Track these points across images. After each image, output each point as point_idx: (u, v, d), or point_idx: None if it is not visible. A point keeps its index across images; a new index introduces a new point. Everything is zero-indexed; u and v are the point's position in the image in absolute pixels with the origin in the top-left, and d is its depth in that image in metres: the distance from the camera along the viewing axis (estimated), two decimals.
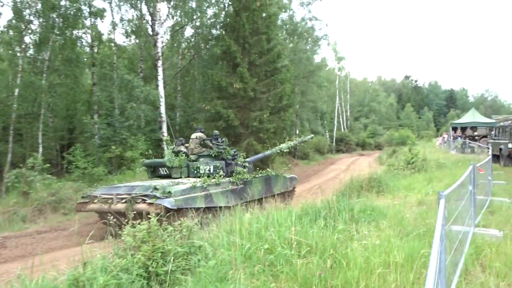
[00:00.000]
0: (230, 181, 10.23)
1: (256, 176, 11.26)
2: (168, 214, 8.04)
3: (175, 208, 8.31)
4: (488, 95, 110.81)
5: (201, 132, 11.70)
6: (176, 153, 10.70)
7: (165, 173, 10.62)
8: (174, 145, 11.38)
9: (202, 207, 8.75)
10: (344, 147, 49.28)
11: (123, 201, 8.74)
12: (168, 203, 8.28)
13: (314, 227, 5.85)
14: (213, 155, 10.96)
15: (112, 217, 6.37)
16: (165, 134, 19.45)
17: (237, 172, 10.93)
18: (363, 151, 51.13)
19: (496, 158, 18.59)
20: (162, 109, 19.48)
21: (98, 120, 19.05)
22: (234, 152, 11.59)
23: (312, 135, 17.52)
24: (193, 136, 11.47)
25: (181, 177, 10.44)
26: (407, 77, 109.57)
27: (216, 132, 11.90)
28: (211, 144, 11.28)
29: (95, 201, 9.19)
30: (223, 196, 9.69)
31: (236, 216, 6.32)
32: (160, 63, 19.81)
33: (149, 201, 8.43)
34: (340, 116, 57.60)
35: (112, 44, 23.59)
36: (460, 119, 34.67)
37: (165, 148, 11.65)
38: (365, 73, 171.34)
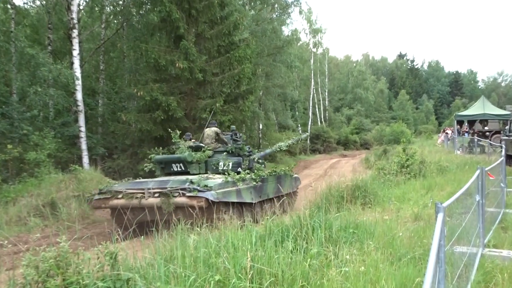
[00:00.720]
0: (252, 177, 12.74)
1: (271, 174, 13.99)
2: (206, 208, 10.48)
3: (217, 201, 10.62)
4: (501, 79, 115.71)
5: (215, 126, 14.49)
6: (196, 148, 13.47)
7: (180, 169, 13.19)
8: (181, 140, 13.92)
9: (235, 202, 11.37)
10: (321, 146, 50.14)
11: (157, 195, 10.80)
12: (210, 195, 10.52)
13: (281, 251, 5.90)
14: (230, 151, 13.62)
15: (142, 213, 8.44)
16: (83, 128, 19.11)
17: (256, 168, 13.94)
18: (346, 151, 52.20)
19: (511, 159, 19.30)
20: (79, 95, 19.16)
21: None
22: (249, 148, 14.43)
23: (307, 133, 20.98)
24: (208, 131, 14.23)
25: (199, 173, 12.90)
26: (401, 56, 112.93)
27: (233, 127, 15.07)
28: (226, 140, 14.10)
29: (119, 196, 11.19)
30: (248, 192, 12.26)
31: (178, 238, 6.28)
32: (75, 33, 19.35)
33: (189, 194, 10.57)
34: (317, 106, 58.72)
35: (9, 6, 22.79)
36: (467, 111, 35.30)
37: (176, 143, 13.98)
38: (349, 50, 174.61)
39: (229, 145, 13.99)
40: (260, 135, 35.43)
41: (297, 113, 55.38)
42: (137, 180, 12.90)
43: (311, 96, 55.71)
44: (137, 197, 10.98)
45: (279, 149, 17.64)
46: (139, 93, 19.15)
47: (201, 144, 13.82)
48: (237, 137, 14.19)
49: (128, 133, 20.55)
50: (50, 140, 17.49)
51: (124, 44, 25.09)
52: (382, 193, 12.50)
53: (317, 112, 58.80)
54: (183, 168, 13.15)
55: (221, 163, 13.17)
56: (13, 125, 17.47)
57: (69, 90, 19.77)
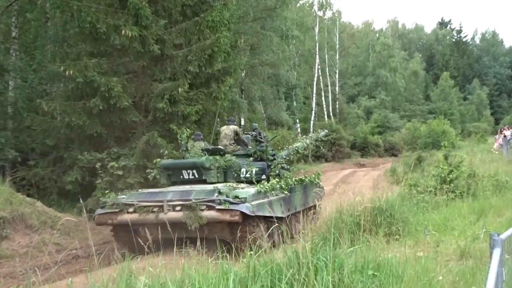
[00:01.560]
0: (282, 186, 14.50)
1: (298, 182, 15.91)
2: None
3: (253, 214, 12.18)
4: None
5: (234, 124, 16.43)
6: (213, 151, 15.12)
7: (192, 177, 14.88)
8: (187, 141, 15.48)
9: (267, 216, 12.68)
10: (329, 151, 50.39)
11: (179, 208, 12.41)
12: (246, 208, 12.08)
13: None
14: (252, 155, 15.70)
15: (160, 229, 9.62)
16: None
17: (283, 176, 15.70)
18: (364, 158, 52.59)
19: None
20: None
21: None
22: (272, 150, 16.31)
23: (326, 130, 22.91)
24: (226, 130, 16.23)
25: (217, 182, 14.70)
26: (443, 25, 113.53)
27: (255, 125, 17.22)
28: (246, 141, 16.24)
29: (130, 210, 12.81)
30: (279, 205, 13.99)
31: (122, 279, 6.30)
32: None
33: (219, 207, 12.16)
34: (323, 94, 59.03)
35: None
36: None
37: (183, 144, 15.44)
38: (369, 14, 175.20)
39: (250, 147, 16.33)
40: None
41: (294, 103, 55.58)
42: (149, 190, 14.41)
43: (315, 79, 56.03)
44: (153, 211, 12.58)
45: (296, 152, 19.68)
46: (67, 72, 18.92)
47: (220, 147, 15.62)
48: (261, 138, 16.35)
49: (50, 129, 20.35)
50: None
51: (47, 1, 24.89)
52: (414, 220, 12.55)
53: (323, 103, 59.12)
54: (196, 176, 14.81)
55: (243, 170, 15.05)
56: None
57: None
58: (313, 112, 54.41)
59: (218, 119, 25.02)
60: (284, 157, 18.18)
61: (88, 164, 18.87)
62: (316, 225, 11.94)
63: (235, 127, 16.43)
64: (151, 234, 9.26)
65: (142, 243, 8.76)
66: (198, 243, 8.72)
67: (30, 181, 20.52)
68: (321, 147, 49.51)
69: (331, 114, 60.47)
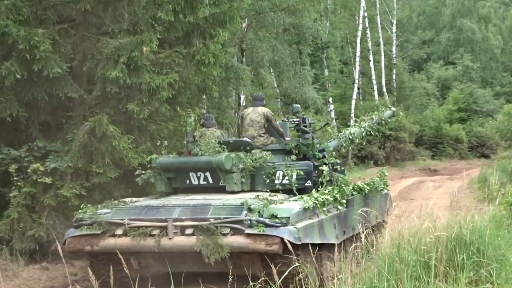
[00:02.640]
0: (336, 198, 15.06)
1: (357, 191, 16.78)
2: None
3: (299, 243, 12.37)
4: None
5: (263, 105, 17.19)
6: (235, 146, 15.60)
7: (205, 182, 15.30)
8: (194, 129, 16.42)
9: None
10: (380, 149, 50.25)
11: (190, 231, 12.75)
12: (289, 234, 12.28)
13: None
14: (292, 151, 16.34)
15: (162, 261, 11.01)
16: None
17: (336, 182, 16.44)
18: (437, 160, 52.43)
19: None
20: None
21: None
22: (320, 144, 17.11)
23: (393, 108, 23.96)
24: (252, 114, 16.88)
25: (241, 191, 15.16)
26: None
27: (298, 107, 17.69)
28: (282, 130, 16.85)
29: (118, 232, 13.20)
30: (332, 226, 14.59)
31: None
32: None
33: (250, 231, 12.45)
34: (372, 58, 58.69)
35: None
36: None
37: (188, 132, 15.96)
38: None
39: (287, 138, 16.94)
40: (241, 120, 35.04)
41: (326, 72, 55.42)
42: (145, 202, 14.90)
43: (359, 34, 55.88)
44: (152, 234, 12.85)
45: (350, 142, 20.52)
46: None
47: (246, 139, 16.16)
48: (305, 126, 16.89)
49: None
50: None
51: None
52: None
53: (372, 72, 58.93)
54: (211, 181, 15.27)
55: (279, 173, 15.36)
56: None
57: None
58: (356, 86, 54.39)
59: (205, 97, 25.03)
60: (332, 150, 18.46)
61: None
62: (361, 264, 11.98)
63: (266, 109, 16.89)
64: (148, 267, 9.66)
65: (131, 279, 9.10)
66: None
67: None
68: (370, 144, 49.72)
69: (384, 89, 60.30)
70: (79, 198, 17.77)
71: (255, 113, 16.47)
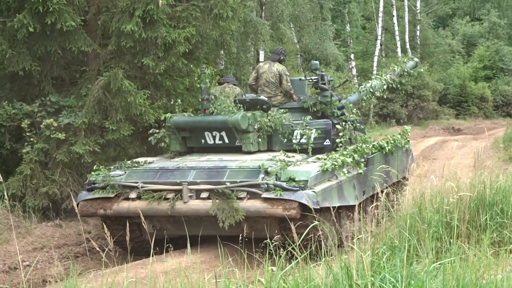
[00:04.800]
0: (355, 158, 15.14)
1: (377, 148, 16.87)
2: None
3: (317, 207, 12.55)
4: None
5: (281, 60, 17.23)
6: (252, 104, 15.83)
7: (220, 142, 15.55)
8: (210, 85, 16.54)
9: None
10: (402, 107, 50.16)
11: (205, 195, 13.12)
12: (306, 198, 12.18)
13: None
14: (310, 109, 16.43)
15: (176, 225, 12.05)
16: None
17: (356, 141, 16.54)
18: (461, 119, 52.28)
19: None
20: None
21: None
22: (339, 101, 17.22)
23: (417, 59, 23.64)
24: (267, 72, 16.91)
25: (258, 151, 15.43)
26: None
27: (316, 63, 17.59)
28: (291, 90, 16.91)
29: (132, 195, 13.52)
30: (351, 187, 14.84)
31: None
32: None
33: (267, 195, 12.78)
34: (395, 13, 58.50)
35: None
36: None
37: (203, 89, 16.16)
38: None
39: (303, 97, 16.96)
40: (253, 73, 34.89)
41: (348, 28, 55.28)
42: (159, 164, 15.24)
43: None
44: (167, 198, 13.22)
45: (371, 95, 20.26)
46: None
47: (263, 98, 16.33)
48: (324, 83, 16.85)
49: None
50: None
51: None
52: None
53: (396, 27, 58.68)
54: (226, 141, 15.55)
55: (296, 133, 15.51)
56: None
57: None
58: (378, 42, 54.22)
59: (223, 53, 24.98)
60: (352, 105, 18.20)
61: (9, 121, 18.80)
62: (382, 225, 11.93)
63: (281, 67, 16.84)
64: (163, 230, 9.87)
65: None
66: None
67: None
68: (393, 102, 49.58)
69: (407, 46, 60.02)
70: (93, 154, 17.94)
71: (271, 73, 16.48)
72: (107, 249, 8.26)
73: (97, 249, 8.41)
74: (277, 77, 16.48)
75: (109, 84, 18.43)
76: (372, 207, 12.01)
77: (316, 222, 9.76)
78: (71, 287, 6.95)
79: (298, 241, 7.91)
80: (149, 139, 16.40)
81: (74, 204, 11.17)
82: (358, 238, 8.91)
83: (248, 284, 8.27)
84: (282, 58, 17.07)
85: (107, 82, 18.52)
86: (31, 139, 17.79)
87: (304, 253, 8.02)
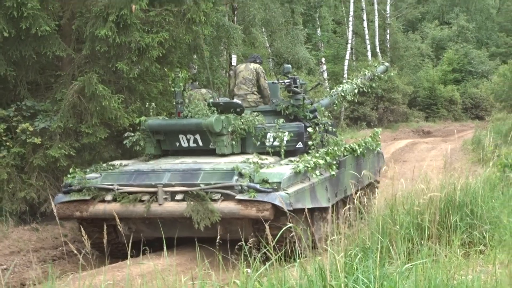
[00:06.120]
0: (327, 161, 15.40)
1: (349, 151, 17.12)
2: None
3: (290, 208, 12.47)
4: None
5: (258, 62, 17.68)
6: (225, 108, 16.01)
7: (194, 145, 15.76)
8: (184, 88, 16.20)
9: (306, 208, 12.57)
10: (373, 110, 50.42)
11: (180, 197, 13.37)
12: (280, 200, 12.37)
13: None
14: (282, 112, 16.65)
15: (152, 227, 12.36)
16: None
17: (328, 143, 16.89)
18: (430, 122, 52.54)
19: None
20: None
21: None
22: (311, 104, 17.46)
23: (387, 64, 24.05)
24: (244, 71, 17.39)
25: (232, 153, 15.60)
26: None
27: (289, 67, 17.77)
28: (267, 90, 17.38)
29: (108, 198, 13.75)
30: (323, 189, 15.04)
31: None
32: None
33: (241, 197, 13.02)
34: (365, 17, 58.66)
35: None
36: None
37: (177, 93, 16.07)
38: None
39: (275, 100, 17.27)
40: (232, 78, 34.92)
41: (319, 32, 55.36)
42: (134, 166, 15.45)
43: None
44: (142, 200, 13.42)
45: (342, 99, 20.79)
46: None
47: (237, 101, 16.64)
48: (296, 87, 17.09)
49: None
50: None
51: None
52: (510, 222, 12.60)
53: (366, 31, 58.86)
54: (200, 144, 15.73)
55: (269, 135, 15.75)
56: None
57: None
58: (349, 46, 54.32)
59: (196, 57, 25.05)
60: (324, 109, 18.77)
61: None
62: (354, 226, 12.06)
63: (257, 66, 17.44)
64: (139, 232, 10.13)
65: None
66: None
67: None
68: (363, 105, 49.69)
69: (377, 50, 60.19)
70: (69, 158, 17.97)
71: (247, 71, 16.93)
72: (84, 252, 8.33)
73: (75, 251, 8.46)
74: (254, 74, 16.91)
75: (84, 89, 18.41)
76: (345, 209, 12.05)
77: (290, 224, 9.86)
78: None
79: (272, 242, 7.99)
80: (124, 142, 16.61)
81: (53, 206, 11.27)
82: (331, 240, 9.02)
83: (224, 286, 8.38)
84: (258, 61, 17.53)
85: (81, 86, 18.52)
86: (7, 143, 17.85)
87: (278, 254, 8.12)
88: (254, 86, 17.04)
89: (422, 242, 10.62)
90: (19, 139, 18.01)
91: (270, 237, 8.23)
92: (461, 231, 11.77)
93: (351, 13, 54.94)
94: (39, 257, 14.66)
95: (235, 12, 35.56)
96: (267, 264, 7.81)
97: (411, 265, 8.08)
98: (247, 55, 35.80)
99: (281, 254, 8.32)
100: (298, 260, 8.21)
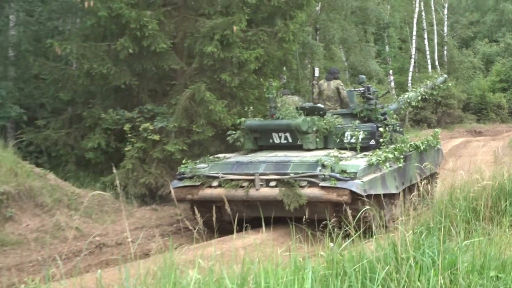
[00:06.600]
0: (396, 155, 15.53)
1: (414, 148, 17.15)
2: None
3: (364, 194, 12.73)
4: None
5: (337, 78, 17.78)
6: (310, 111, 16.11)
7: (285, 141, 15.94)
8: (276, 95, 16.56)
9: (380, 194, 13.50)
10: (432, 113, 50.12)
11: (273, 184, 13.69)
12: (356, 187, 13.09)
13: None
14: (358, 115, 16.68)
15: (250, 208, 13.06)
16: None
17: (396, 141, 16.88)
18: (481, 123, 51.89)
19: None
20: None
21: None
22: (382, 107, 17.58)
23: (445, 75, 24.48)
24: (327, 90, 17.37)
25: (316, 148, 15.79)
26: None
27: (363, 77, 18.24)
28: (347, 98, 17.37)
29: (214, 184, 14.19)
30: (392, 178, 15.14)
31: (165, 273, 6.51)
32: None
33: (323, 184, 13.26)
34: (426, 36, 58.11)
35: None
36: None
37: (271, 99, 16.40)
38: None
39: (352, 105, 17.31)
40: (316, 89, 35.02)
41: (387, 48, 55.02)
42: (236, 158, 15.61)
43: (416, 15, 55.26)
44: (242, 186, 13.88)
45: (407, 105, 20.78)
46: (86, 4, 19.17)
47: (320, 105, 16.75)
48: (370, 94, 17.10)
49: (65, 79, 20.55)
50: None
51: None
52: None
53: (427, 48, 58.22)
54: (290, 140, 15.90)
55: (347, 134, 15.84)
56: None
57: None
58: (412, 60, 53.82)
59: (285, 69, 25.06)
60: (392, 112, 18.93)
61: (114, 125, 19.09)
62: (418, 209, 11.97)
63: (338, 82, 17.61)
64: (239, 213, 11.79)
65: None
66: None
67: (39, 147, 20.43)
68: (424, 109, 49.29)
69: (436, 63, 59.40)
70: (182, 152, 18.20)
71: (330, 90, 17.20)
72: (197, 228, 8.33)
73: (190, 227, 8.57)
74: (335, 92, 17.13)
75: (194, 95, 18.62)
76: (412, 195, 12.07)
77: (367, 207, 9.94)
78: (170, 258, 6.99)
79: (353, 222, 7.98)
80: (227, 139, 17.00)
81: (172, 190, 11.50)
82: (400, 220, 8.93)
83: (312, 257, 8.32)
84: (337, 76, 17.73)
85: (192, 93, 18.68)
86: (132, 139, 18.25)
87: (358, 232, 8.04)
88: (336, 102, 17.22)
89: (477, 223, 10.47)
90: (141, 136, 18.36)
91: (350, 218, 8.23)
92: (510, 214, 11.58)
93: (414, 32, 54.39)
94: (159, 232, 14.84)
95: (317, 32, 35.47)
96: (349, 240, 7.73)
97: (469, 242, 7.95)
98: (327, 67, 35.68)
99: (360, 232, 8.21)
100: (374, 237, 8.12)
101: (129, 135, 18.34)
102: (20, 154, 17.92)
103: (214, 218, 9.11)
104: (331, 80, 17.39)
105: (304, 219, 9.95)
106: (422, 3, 56.38)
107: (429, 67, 57.65)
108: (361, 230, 8.63)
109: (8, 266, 12.02)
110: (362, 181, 13.29)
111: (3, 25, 23.22)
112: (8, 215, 14.43)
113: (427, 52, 58.24)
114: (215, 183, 14.13)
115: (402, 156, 15.65)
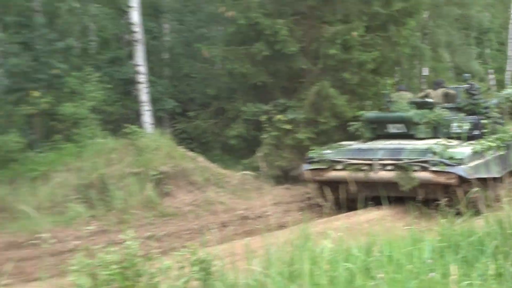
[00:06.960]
0: (498, 144, 15.44)
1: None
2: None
3: (470, 177, 12.89)
4: None
5: (442, 86, 17.67)
6: (421, 105, 16.20)
7: (399, 131, 15.90)
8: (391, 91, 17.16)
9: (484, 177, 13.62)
10: None
11: (390, 168, 13.81)
12: (462, 171, 13.07)
13: (474, 275, 5.82)
14: (463, 108, 16.52)
15: (369, 188, 13.25)
16: (142, 67, 19.55)
17: (497, 131, 16.61)
18: None
19: None
20: (135, 16, 19.49)
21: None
22: (485, 102, 17.17)
23: None
24: (434, 97, 16.97)
25: (426, 137, 15.64)
26: None
27: (468, 75, 19.29)
28: (454, 96, 17.22)
29: (338, 167, 14.40)
30: (495, 164, 14.92)
31: (302, 242, 6.57)
32: None
33: (434, 168, 13.34)
34: None
35: None
36: None
37: (386, 94, 17.19)
38: None
39: (458, 100, 17.26)
40: (422, 93, 34.54)
41: (487, 50, 53.65)
42: (357, 146, 15.82)
43: (511, 22, 53.72)
44: (362, 170, 14.06)
45: (508, 100, 20.04)
46: (228, 13, 19.52)
47: (430, 100, 16.74)
48: (474, 91, 17.06)
49: (211, 77, 21.09)
50: (95, 86, 17.73)
51: None
52: None
53: None
54: (403, 130, 15.90)
55: (454, 125, 15.74)
56: (38, 61, 17.36)
57: (119, 7, 20.47)
58: (508, 61, 52.34)
59: (398, 69, 24.87)
60: (493, 106, 18.68)
61: (252, 116, 19.53)
62: None
63: (443, 89, 17.48)
64: (360, 192, 11.97)
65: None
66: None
67: (190, 134, 21.20)
68: None
69: None
70: (310, 140, 18.43)
71: (436, 97, 17.05)
72: (325, 204, 8.44)
73: (319, 204, 8.71)
74: (441, 97, 17.07)
75: (320, 91, 18.93)
76: None
77: (476, 189, 10.25)
78: (304, 229, 7.09)
79: (464, 201, 8.07)
80: (349, 129, 17.03)
81: (303, 171, 12.93)
82: (506, 200, 8.80)
83: (426, 231, 8.29)
84: (442, 85, 17.79)
85: (318, 90, 18.97)
86: (268, 129, 18.65)
87: (469, 210, 8.01)
88: (442, 96, 17.21)
89: None
90: (275, 126, 18.69)
91: (460, 197, 8.31)
92: None
93: (510, 36, 53.05)
94: (292, 208, 15.06)
95: (426, 36, 35.00)
96: (462, 218, 7.71)
97: None
98: (434, 67, 35.33)
99: (470, 210, 8.18)
100: (482, 214, 8.08)
101: (265, 125, 18.70)
102: (175, 140, 18.20)
103: (341, 196, 9.36)
104: (437, 90, 17.41)
105: (416, 199, 10.09)
106: None
107: None
108: (471, 208, 8.64)
109: (169, 233, 12.53)
110: (468, 166, 13.29)
111: (158, 32, 23.77)
112: (166, 191, 15.21)
113: None
114: (339, 167, 14.37)
115: (503, 145, 15.53)
